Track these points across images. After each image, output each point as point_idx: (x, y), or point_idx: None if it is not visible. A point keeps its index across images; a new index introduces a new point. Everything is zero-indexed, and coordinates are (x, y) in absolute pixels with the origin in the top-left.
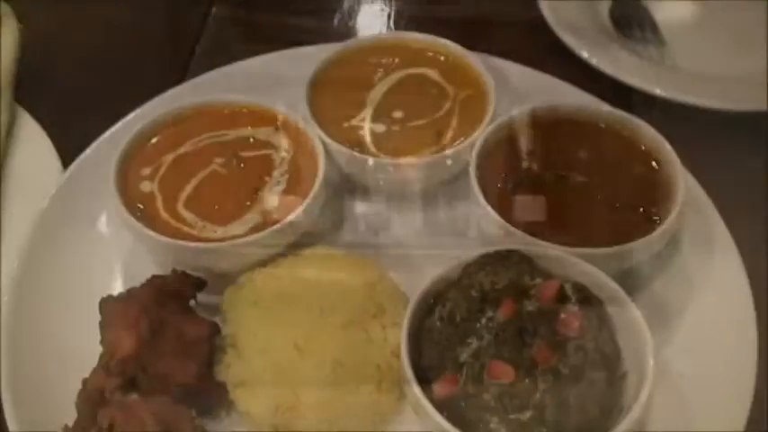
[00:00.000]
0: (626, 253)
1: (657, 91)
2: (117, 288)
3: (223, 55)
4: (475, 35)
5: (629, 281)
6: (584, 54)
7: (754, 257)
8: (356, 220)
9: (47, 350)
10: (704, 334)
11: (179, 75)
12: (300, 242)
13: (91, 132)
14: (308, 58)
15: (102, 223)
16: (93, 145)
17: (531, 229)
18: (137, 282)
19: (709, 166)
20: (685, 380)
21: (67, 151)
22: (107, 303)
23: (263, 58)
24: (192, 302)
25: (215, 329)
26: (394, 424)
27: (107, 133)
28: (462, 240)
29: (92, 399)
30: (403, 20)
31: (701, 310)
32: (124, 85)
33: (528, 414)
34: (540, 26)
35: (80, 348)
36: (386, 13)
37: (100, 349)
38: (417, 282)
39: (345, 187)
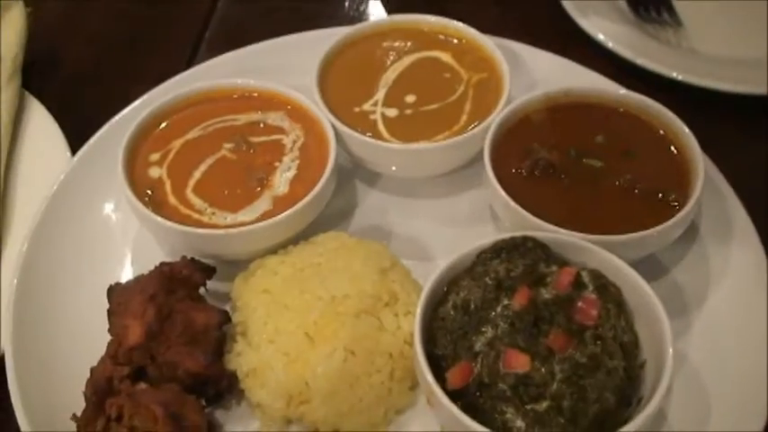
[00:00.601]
0: (644, 240)
1: (675, 74)
2: (125, 275)
3: (232, 39)
4: (490, 19)
5: (648, 268)
6: (601, 37)
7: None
8: (368, 206)
9: (54, 338)
10: (724, 322)
11: (188, 59)
12: (311, 228)
13: (100, 118)
14: (319, 42)
15: (111, 209)
16: (101, 130)
17: (547, 215)
18: (145, 269)
19: (730, 151)
20: (704, 368)
21: (76, 137)
22: (115, 291)
23: (273, 42)
24: (201, 290)
25: (225, 318)
26: (407, 415)
27: (115, 119)
28: (476, 227)
29: (100, 388)
30: (415, 3)
31: (720, 298)
32: (133, 70)
33: (545, 404)
34: (556, 9)
35: (88, 336)
36: None
37: (108, 337)
38: (430, 269)
39: (357, 173)
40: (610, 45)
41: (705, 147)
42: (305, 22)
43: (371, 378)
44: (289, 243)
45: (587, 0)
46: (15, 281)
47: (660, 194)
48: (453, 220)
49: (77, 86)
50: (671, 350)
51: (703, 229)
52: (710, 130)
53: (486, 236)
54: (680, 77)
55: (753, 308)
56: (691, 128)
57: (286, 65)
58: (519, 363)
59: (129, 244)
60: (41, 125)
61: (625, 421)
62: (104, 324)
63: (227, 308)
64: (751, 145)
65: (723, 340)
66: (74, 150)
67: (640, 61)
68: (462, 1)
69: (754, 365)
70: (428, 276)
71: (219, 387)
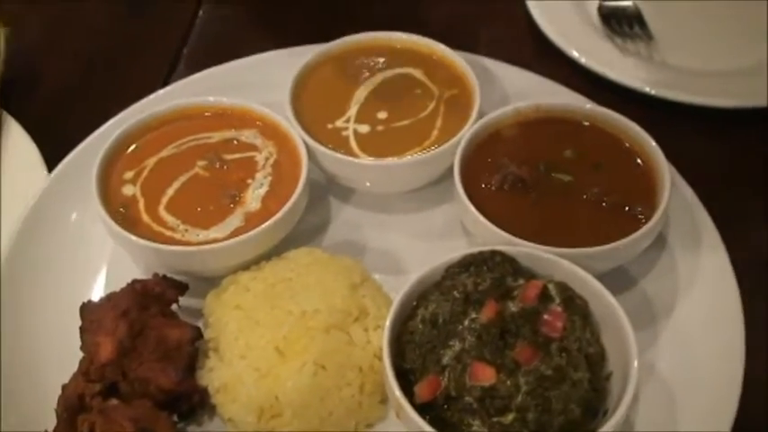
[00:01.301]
0: (611, 252)
1: (647, 89)
2: (98, 292)
3: (211, 56)
4: (462, 35)
5: (616, 280)
6: (574, 53)
7: (741, 256)
8: (341, 221)
9: (26, 355)
10: (691, 333)
11: (165, 77)
12: (285, 244)
13: (77, 136)
14: (293, 59)
15: (85, 227)
16: (77, 149)
17: (516, 229)
18: (119, 286)
19: (701, 163)
20: (672, 379)
21: (54, 155)
22: (88, 308)
23: (248, 60)
24: (174, 306)
25: (197, 334)
26: (378, 428)
27: (90, 137)
28: (449, 241)
29: (71, 404)
30: (388, 20)
31: (689, 308)
32: (112, 87)
33: (510, 416)
34: (528, 25)
35: (60, 353)
36: (371, 13)
37: (80, 354)
38: (401, 283)
39: (331, 189)
40: (583, 61)
41: (676, 159)
42: (280, 39)
43: (342, 392)
44: (261, 259)
45: (560, 16)
46: None
47: (627, 207)
48: (427, 235)
49: (56, 104)
50: (636, 362)
51: (671, 240)
52: (683, 143)
53: (459, 249)
54: (652, 92)
55: (720, 316)
56: (663, 141)
57: (260, 82)
58: (485, 375)
59: (103, 261)
60: (18, 144)
61: None
62: (77, 341)
63: (200, 324)
64: (721, 157)
65: (691, 350)
66: (51, 169)
67: (613, 76)
68: (435, 17)
69: (722, 373)
70: (399, 290)
71: (192, 402)
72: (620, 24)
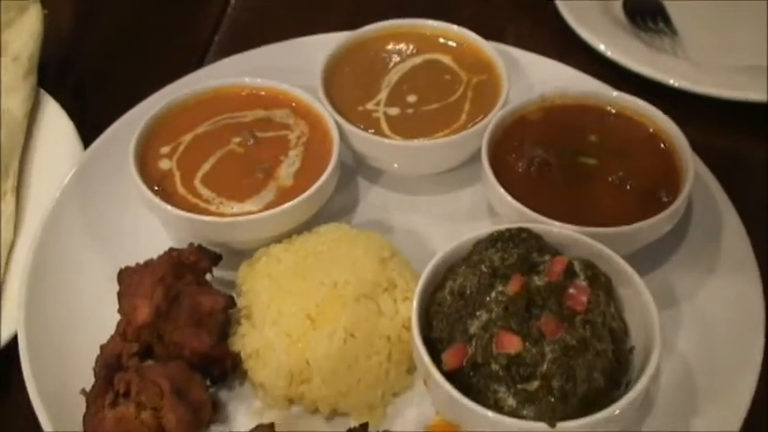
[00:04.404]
0: (635, 233)
1: (671, 81)
2: (134, 261)
3: (240, 43)
4: (491, 28)
5: (639, 263)
6: (600, 47)
7: (763, 242)
8: (369, 202)
9: (66, 319)
10: (712, 316)
11: (197, 61)
12: (314, 222)
13: (111, 116)
14: (324, 46)
15: (121, 200)
16: (114, 126)
17: (542, 210)
18: (154, 256)
19: (725, 157)
20: (692, 359)
21: (88, 135)
22: (125, 273)
23: (279, 45)
24: (208, 276)
25: (230, 302)
26: (403, 397)
27: (127, 115)
28: (473, 223)
29: (109, 363)
30: (418, 15)
31: (710, 293)
32: (144, 72)
33: (535, 384)
34: (555, 20)
35: (98, 317)
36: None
37: (117, 318)
38: (428, 261)
39: (358, 171)
40: (609, 54)
41: (700, 153)
42: (310, 30)
43: (370, 359)
44: (292, 233)
45: (586, 11)
46: (29, 265)
47: (651, 190)
48: (451, 217)
49: (89, 88)
50: (659, 336)
51: (694, 227)
52: (707, 136)
53: (485, 230)
54: (676, 84)
55: (740, 301)
56: (686, 133)
57: (291, 67)
58: (511, 344)
59: (138, 234)
60: (55, 122)
61: (614, 402)
62: (114, 306)
63: (233, 294)
64: (746, 151)
65: (711, 332)
66: (87, 147)
67: (638, 68)
68: (462, 15)
69: (741, 356)
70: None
71: (223, 367)
72: (645, 20)
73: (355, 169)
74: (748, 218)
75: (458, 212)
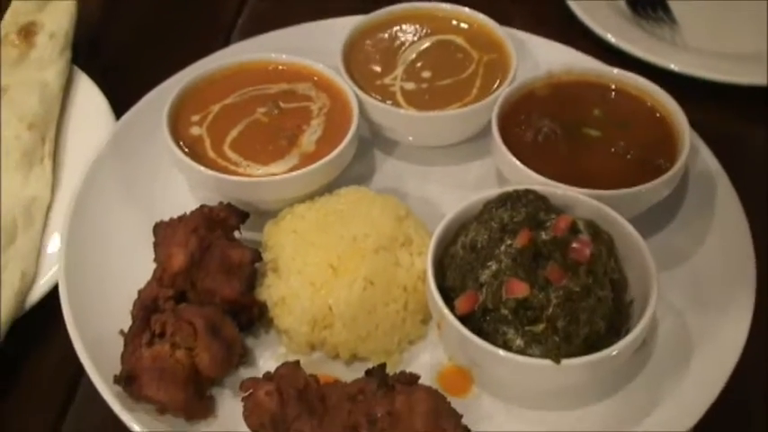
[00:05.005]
0: (636, 195)
1: (672, 66)
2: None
3: (263, 28)
4: (498, 13)
5: (639, 226)
6: (607, 35)
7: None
8: (384, 171)
9: (105, 270)
10: (706, 276)
11: (223, 41)
12: (334, 186)
13: (141, 92)
14: (343, 28)
15: (154, 165)
16: (147, 96)
17: (548, 176)
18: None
19: (720, 136)
20: (687, 315)
21: (120, 109)
22: (160, 226)
23: (301, 27)
24: (236, 233)
25: (257, 255)
26: (418, 345)
27: (159, 87)
28: (483, 192)
29: (146, 306)
30: None
31: (704, 254)
32: (171, 52)
33: (541, 326)
34: (560, 8)
35: (133, 270)
36: None
37: (151, 270)
38: (440, 222)
39: (374, 143)
40: (612, 40)
41: (696, 128)
42: (330, 14)
43: (388, 307)
44: (314, 195)
45: (590, 1)
46: (70, 219)
47: (651, 160)
48: (462, 185)
49: (122, 64)
50: (656, 285)
51: (689, 196)
52: (706, 117)
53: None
54: (677, 69)
55: (732, 264)
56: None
57: (311, 47)
58: (519, 289)
59: (168, 197)
60: (89, 97)
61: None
62: (146, 260)
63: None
64: (745, 133)
65: (705, 289)
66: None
67: (640, 53)
68: (469, 3)
69: (732, 312)
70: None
71: (251, 315)
72: (645, 9)
73: (372, 142)
74: (748, 199)
75: (468, 182)
